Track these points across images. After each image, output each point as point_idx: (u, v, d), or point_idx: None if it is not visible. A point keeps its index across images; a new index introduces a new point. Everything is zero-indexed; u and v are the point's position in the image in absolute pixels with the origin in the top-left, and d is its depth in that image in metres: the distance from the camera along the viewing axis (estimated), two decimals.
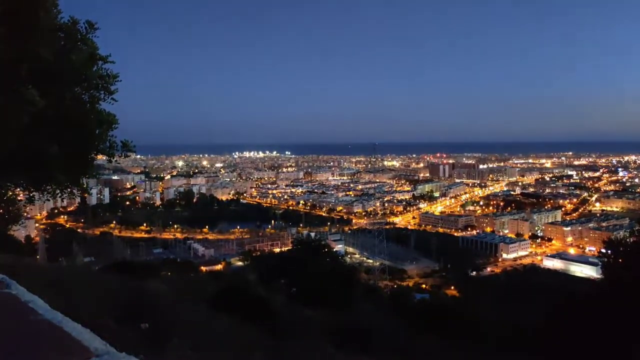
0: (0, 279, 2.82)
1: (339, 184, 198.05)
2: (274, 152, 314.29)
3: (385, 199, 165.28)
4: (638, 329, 10.36)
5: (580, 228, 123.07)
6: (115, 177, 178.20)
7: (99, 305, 6.26)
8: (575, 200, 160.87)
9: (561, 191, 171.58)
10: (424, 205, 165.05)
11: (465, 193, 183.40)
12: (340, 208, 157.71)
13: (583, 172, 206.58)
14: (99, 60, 5.22)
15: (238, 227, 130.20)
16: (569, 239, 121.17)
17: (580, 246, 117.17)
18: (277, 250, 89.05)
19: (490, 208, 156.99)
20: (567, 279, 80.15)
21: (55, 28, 4.83)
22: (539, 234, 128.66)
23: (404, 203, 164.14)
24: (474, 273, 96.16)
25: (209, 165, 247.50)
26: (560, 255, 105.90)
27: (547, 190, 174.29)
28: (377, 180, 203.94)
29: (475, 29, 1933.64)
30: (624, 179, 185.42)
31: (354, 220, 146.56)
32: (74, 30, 4.97)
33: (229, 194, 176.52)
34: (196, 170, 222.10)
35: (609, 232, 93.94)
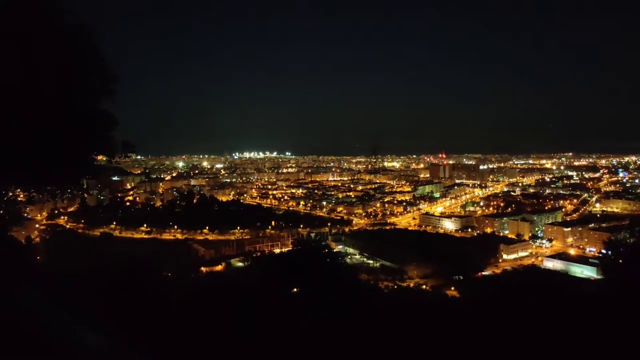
0: (3, 280, 2.83)
1: (340, 184, 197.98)
2: (274, 153, 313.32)
3: (386, 200, 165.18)
4: (637, 330, 10.34)
5: (580, 229, 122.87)
6: (115, 178, 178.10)
7: (99, 306, 6.27)
8: (575, 200, 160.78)
9: (561, 192, 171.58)
10: (424, 206, 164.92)
11: (466, 194, 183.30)
12: (341, 209, 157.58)
13: (583, 173, 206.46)
14: (100, 60, 5.23)
15: (238, 227, 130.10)
16: (569, 239, 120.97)
17: (581, 247, 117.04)
18: (277, 250, 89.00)
19: (491, 209, 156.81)
20: (567, 280, 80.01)
21: (57, 29, 4.85)
22: (539, 235, 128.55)
23: (404, 204, 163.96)
24: (474, 274, 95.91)
25: (209, 166, 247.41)
26: (561, 256, 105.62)
27: (548, 191, 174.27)
28: (378, 181, 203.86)
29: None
30: (624, 180, 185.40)
31: (354, 221, 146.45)
32: (75, 30, 4.99)
33: (229, 194, 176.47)
34: (196, 171, 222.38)
35: (609, 232, 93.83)
